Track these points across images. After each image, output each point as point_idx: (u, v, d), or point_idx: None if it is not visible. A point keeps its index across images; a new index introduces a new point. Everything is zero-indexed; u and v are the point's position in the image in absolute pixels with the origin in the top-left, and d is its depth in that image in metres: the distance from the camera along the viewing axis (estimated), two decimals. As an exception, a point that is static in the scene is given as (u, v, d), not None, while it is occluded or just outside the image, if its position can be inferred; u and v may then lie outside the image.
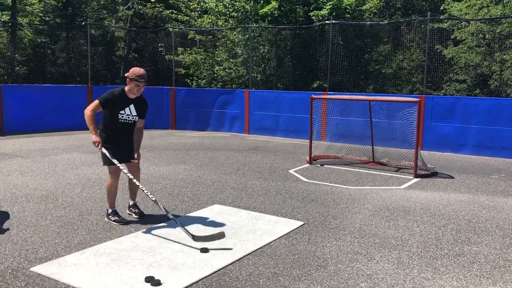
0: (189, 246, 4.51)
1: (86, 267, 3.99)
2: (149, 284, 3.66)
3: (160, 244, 4.58)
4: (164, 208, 4.85)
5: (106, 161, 5.18)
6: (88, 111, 5.02)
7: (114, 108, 5.10)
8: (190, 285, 3.69)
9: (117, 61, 23.55)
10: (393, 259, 4.36)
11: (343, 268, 4.11)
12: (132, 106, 5.18)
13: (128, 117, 5.18)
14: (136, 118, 5.24)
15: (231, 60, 17.14)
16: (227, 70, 17.22)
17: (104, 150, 5.05)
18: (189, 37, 18.40)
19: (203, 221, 5.35)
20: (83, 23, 16.88)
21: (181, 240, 4.67)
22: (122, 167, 5.05)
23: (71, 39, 19.88)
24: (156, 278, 3.73)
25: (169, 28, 17.01)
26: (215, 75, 17.92)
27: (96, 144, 5.01)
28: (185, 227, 4.76)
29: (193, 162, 9.23)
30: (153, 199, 4.88)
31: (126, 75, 5.11)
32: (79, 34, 19.04)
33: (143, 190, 4.96)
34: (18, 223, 5.15)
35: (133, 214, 5.47)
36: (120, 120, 5.14)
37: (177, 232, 4.91)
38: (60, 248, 4.42)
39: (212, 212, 5.75)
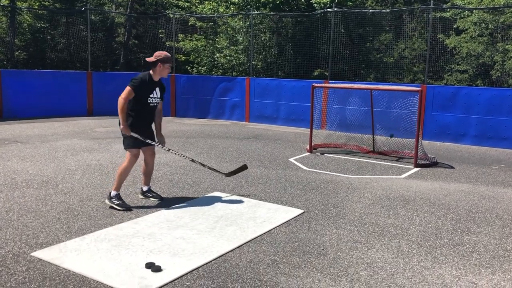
0: (190, 231, 4.52)
1: (87, 252, 4.00)
2: (149, 270, 3.67)
3: (161, 230, 4.59)
4: (200, 162, 6.09)
5: (129, 145, 5.27)
6: (122, 99, 5.12)
7: (145, 93, 5.24)
8: (190, 271, 3.71)
9: (117, 48, 23.41)
10: (393, 248, 4.37)
11: (343, 256, 4.13)
12: (157, 89, 5.37)
13: (155, 100, 5.36)
14: (159, 100, 5.44)
15: (232, 48, 17.04)
16: (227, 57, 17.13)
17: (135, 135, 5.20)
18: (189, 24, 18.29)
19: (203, 208, 5.36)
20: (83, 8, 16.74)
21: (181, 227, 4.68)
22: (156, 144, 5.40)
23: (71, 25, 19.72)
24: (156, 264, 3.75)
25: (170, 14, 16.89)
26: (216, 62, 17.83)
27: (126, 131, 5.17)
28: (185, 214, 4.78)
29: (193, 149, 9.22)
30: (190, 159, 6.02)
31: (152, 60, 5.24)
32: (79, 19, 18.88)
33: (176, 153, 5.93)
34: (19, 208, 5.15)
35: (152, 198, 5.59)
36: (150, 104, 5.31)
37: (177, 219, 4.92)
38: (60, 234, 4.43)
39: (212, 199, 5.76)
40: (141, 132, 5.25)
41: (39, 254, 3.94)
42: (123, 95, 5.10)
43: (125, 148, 5.36)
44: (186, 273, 3.67)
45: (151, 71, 5.31)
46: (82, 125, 12.21)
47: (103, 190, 5.97)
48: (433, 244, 4.48)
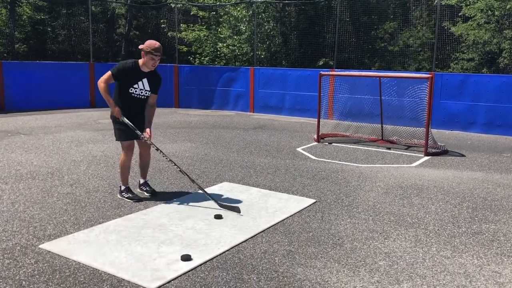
0: (201, 221, 4.40)
1: (96, 244, 3.88)
2: (162, 261, 3.56)
3: (171, 221, 4.47)
4: (188, 176, 5.21)
5: (120, 137, 5.06)
6: (101, 82, 4.88)
7: (126, 81, 4.91)
8: (204, 262, 3.59)
9: (118, 39, 23.21)
10: (410, 237, 4.24)
11: (360, 246, 4.01)
12: (145, 80, 4.98)
13: (141, 92, 4.99)
14: (149, 94, 5.05)
15: (235, 37, 16.84)
16: (230, 47, 16.93)
17: (126, 120, 4.90)
18: (191, 14, 18.07)
19: (213, 198, 5.23)
20: (84, -1, 16.53)
21: (191, 217, 4.56)
22: (145, 137, 4.95)
23: (71, 16, 19.52)
24: (168, 256, 3.63)
25: (171, 4, 16.67)
26: (218, 52, 17.64)
27: (115, 114, 4.89)
28: (194, 204, 4.65)
29: (198, 140, 9.09)
30: (178, 168, 5.11)
31: (140, 47, 4.89)
32: (80, 10, 18.67)
33: (169, 160, 5.17)
34: (25, 200, 5.04)
35: (145, 193, 5.35)
36: (132, 95, 4.97)
37: (187, 210, 4.80)
38: (68, 226, 4.32)
39: (222, 189, 5.63)
40: (126, 124, 4.94)
41: (48, 246, 3.82)
42: (102, 78, 4.87)
43: (116, 140, 5.19)
44: (200, 264, 3.55)
45: (140, 60, 4.96)
46: (85, 116, 12.07)
47: (110, 181, 5.85)
48: (451, 233, 4.36)
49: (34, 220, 4.43)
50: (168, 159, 5.19)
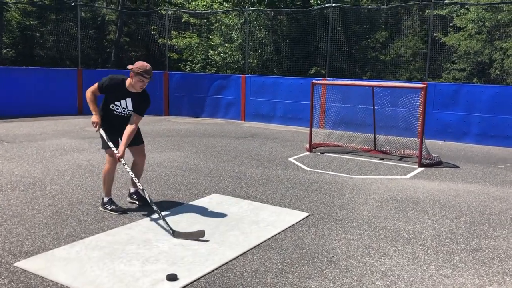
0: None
1: (77, 262, 3.64)
2: (146, 281, 3.33)
3: (157, 236, 4.24)
4: (150, 198, 4.63)
5: (105, 145, 4.86)
6: (88, 92, 4.83)
7: (109, 96, 4.79)
8: (191, 283, 3.36)
9: (108, 45, 22.97)
10: (408, 254, 4.06)
11: (356, 264, 3.81)
12: (128, 100, 4.79)
13: (124, 111, 4.82)
14: (129, 112, 4.84)
15: (226, 45, 16.69)
16: (222, 55, 16.77)
17: (102, 132, 4.78)
18: (182, 21, 17.91)
19: (203, 211, 5.02)
20: (73, 4, 16.26)
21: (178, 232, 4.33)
22: (117, 151, 4.73)
23: (60, 22, 19.26)
24: (153, 275, 3.40)
25: (162, 11, 16.49)
26: (209, 60, 17.47)
27: (95, 124, 4.78)
28: (182, 218, 4.42)
29: (188, 149, 8.87)
30: (141, 187, 4.70)
31: (130, 68, 4.69)
32: (69, 15, 18.41)
33: (131, 176, 4.81)
34: (2, 213, 4.77)
35: (136, 202, 5.17)
36: (114, 112, 4.82)
37: (174, 224, 4.56)
38: (47, 241, 4.07)
39: (211, 201, 5.42)
40: (108, 134, 4.81)
41: (23, 264, 3.57)
42: (90, 88, 4.82)
43: (102, 148, 4.99)
44: (187, 285, 3.33)
45: (128, 79, 4.78)
46: (72, 124, 11.79)
47: (94, 193, 5.61)
48: (449, 250, 4.18)
49: (11, 235, 4.18)
50: (132, 176, 4.83)
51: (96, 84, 4.81)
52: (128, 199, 5.28)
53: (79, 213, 4.86)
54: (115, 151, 4.72)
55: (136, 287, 3.26)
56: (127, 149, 4.90)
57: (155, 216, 4.79)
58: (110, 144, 4.74)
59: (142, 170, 5.22)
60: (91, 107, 4.79)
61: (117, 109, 4.81)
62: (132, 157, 5.13)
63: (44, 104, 13.39)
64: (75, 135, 10.02)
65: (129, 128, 4.75)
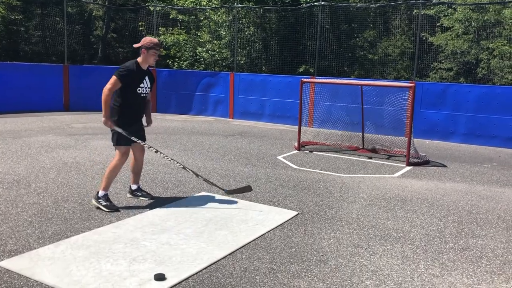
0: (176, 236, 4.12)
1: (62, 261, 3.56)
2: (133, 281, 3.27)
3: (145, 235, 4.18)
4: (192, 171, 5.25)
5: (118, 142, 4.85)
6: (106, 89, 4.70)
7: (133, 83, 4.82)
8: (179, 282, 3.32)
9: (94, 41, 22.69)
10: (397, 253, 4.06)
11: (345, 263, 3.80)
12: (147, 78, 4.97)
13: (145, 90, 4.98)
14: (149, 90, 5.06)
15: (215, 42, 16.59)
16: (210, 52, 16.67)
17: (118, 129, 4.77)
18: (170, 17, 17.75)
19: (190, 210, 4.96)
20: (59, -1, 16.04)
21: (166, 231, 4.27)
22: (143, 143, 4.96)
23: (46, 16, 18.96)
24: (140, 274, 3.34)
25: (150, 7, 16.33)
26: (198, 57, 17.36)
27: (108, 125, 4.77)
28: (170, 216, 4.37)
29: (176, 146, 8.79)
30: (182, 166, 5.25)
31: (137, 45, 4.87)
32: (55, 10, 18.14)
33: (170, 159, 5.26)
34: (-15, 210, 4.67)
35: (142, 198, 5.22)
36: (141, 95, 4.94)
37: (162, 222, 4.51)
38: (32, 240, 3.98)
39: (199, 200, 5.36)
40: (128, 127, 4.83)
41: (7, 264, 3.49)
42: (108, 85, 4.69)
43: (114, 145, 4.94)
44: (175, 285, 3.28)
45: (138, 59, 4.90)
46: (58, 120, 11.62)
47: (80, 190, 5.52)
48: (438, 249, 4.19)
49: (-6, 233, 4.08)
50: (170, 159, 5.29)
51: (114, 78, 4.71)
52: (128, 195, 5.28)
53: (65, 211, 4.77)
54: (142, 143, 4.93)
55: (123, 287, 3.20)
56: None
57: (142, 215, 4.73)
58: (134, 138, 4.83)
59: (142, 165, 5.28)
60: (106, 106, 4.69)
61: (143, 90, 4.94)
62: (133, 155, 5.14)
63: (30, 100, 13.16)
64: (61, 132, 9.87)
65: (148, 104, 5.18)
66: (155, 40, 4.92)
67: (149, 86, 5.00)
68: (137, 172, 5.22)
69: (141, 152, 5.16)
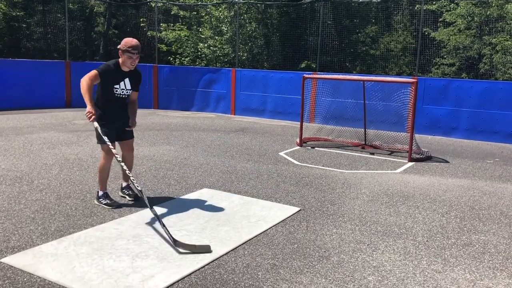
0: (179, 232, 4.13)
1: (65, 258, 3.57)
2: (136, 277, 3.28)
3: (147, 231, 4.18)
4: (148, 203, 4.20)
5: (100, 139, 4.74)
6: (84, 80, 4.52)
7: (109, 82, 4.70)
8: (181, 278, 3.32)
9: (96, 37, 22.68)
10: (399, 249, 4.06)
11: (347, 259, 3.80)
12: (127, 80, 4.80)
13: (123, 92, 4.82)
14: (130, 92, 4.90)
15: (216, 38, 16.56)
16: (211, 48, 16.65)
17: (96, 125, 4.56)
18: (172, 13, 17.72)
19: (193, 206, 4.97)
20: (61, -5, 16.02)
21: (169, 227, 4.27)
22: (112, 147, 4.60)
23: (48, 13, 18.96)
24: (143, 271, 3.35)
25: (152, 3, 16.30)
26: (199, 53, 17.33)
27: (90, 114, 4.43)
28: (172, 213, 4.37)
29: (178, 143, 8.79)
30: (139, 188, 4.39)
31: (118, 47, 4.68)
32: (56, 7, 18.12)
33: (129, 177, 4.57)
34: (-12, 207, 4.68)
35: (127, 197, 5.12)
36: (116, 95, 4.78)
37: (164, 219, 4.51)
38: (35, 236, 3.99)
39: (201, 196, 5.37)
40: (108, 128, 4.67)
41: (10, 260, 3.50)
42: (86, 76, 4.54)
43: (98, 143, 4.89)
44: (177, 281, 3.29)
45: (119, 59, 4.74)
46: (60, 117, 11.63)
47: (83, 187, 5.53)
48: (440, 245, 4.19)
49: (-3, 230, 4.10)
50: (126, 170, 4.64)
51: (93, 71, 4.61)
52: (120, 193, 5.23)
53: (67, 207, 4.78)
54: (111, 146, 4.58)
55: (125, 283, 3.21)
56: (116, 143, 4.86)
57: (145, 211, 4.73)
58: (106, 138, 4.56)
59: (131, 165, 5.16)
60: (87, 97, 4.47)
61: (117, 91, 4.77)
62: (121, 151, 5.05)
63: (31, 96, 13.18)
64: (63, 128, 9.88)
65: (133, 106, 4.99)
66: (133, 42, 4.65)
67: (128, 88, 4.82)
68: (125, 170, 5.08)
69: (130, 151, 5.05)
